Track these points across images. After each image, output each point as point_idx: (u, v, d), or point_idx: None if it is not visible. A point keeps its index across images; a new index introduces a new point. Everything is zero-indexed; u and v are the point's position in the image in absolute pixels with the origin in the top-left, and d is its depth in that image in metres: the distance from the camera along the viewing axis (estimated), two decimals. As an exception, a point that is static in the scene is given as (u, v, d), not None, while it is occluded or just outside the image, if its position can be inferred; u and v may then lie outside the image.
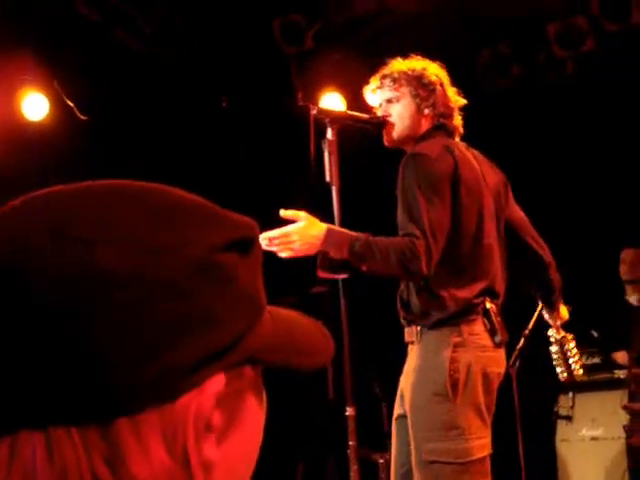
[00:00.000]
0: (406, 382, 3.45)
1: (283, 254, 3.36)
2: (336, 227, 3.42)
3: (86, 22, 6.09)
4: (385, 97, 3.65)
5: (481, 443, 3.32)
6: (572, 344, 4.10)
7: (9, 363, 0.69)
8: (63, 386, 0.69)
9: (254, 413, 0.80)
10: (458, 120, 3.64)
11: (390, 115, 3.61)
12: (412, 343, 3.47)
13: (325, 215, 3.58)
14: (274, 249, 3.33)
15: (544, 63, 6.73)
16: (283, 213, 3.37)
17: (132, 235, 0.72)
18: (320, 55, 6.72)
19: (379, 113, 3.65)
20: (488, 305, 3.41)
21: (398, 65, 3.65)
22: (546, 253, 3.79)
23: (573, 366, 4.06)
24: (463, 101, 3.66)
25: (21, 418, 0.69)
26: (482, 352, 3.37)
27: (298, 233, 3.33)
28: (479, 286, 3.42)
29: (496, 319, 3.42)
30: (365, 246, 3.29)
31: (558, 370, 4.11)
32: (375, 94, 3.70)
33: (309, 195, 3.49)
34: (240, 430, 0.78)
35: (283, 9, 6.48)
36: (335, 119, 3.63)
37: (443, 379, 3.30)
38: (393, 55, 3.74)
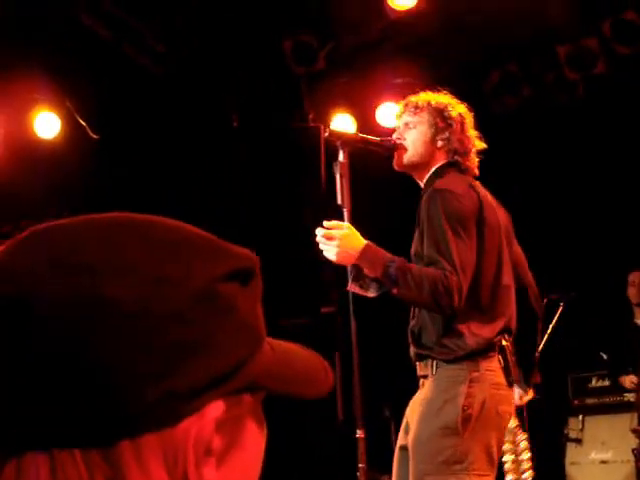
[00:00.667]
0: (413, 414, 3.42)
1: (326, 253, 3.40)
2: (374, 245, 3.43)
3: (97, 40, 6.13)
4: (404, 121, 3.66)
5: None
6: (526, 454, 4.00)
7: (15, 387, 0.71)
8: (66, 410, 0.70)
9: (253, 438, 0.82)
10: (474, 161, 3.64)
11: (404, 139, 3.62)
12: (425, 377, 3.45)
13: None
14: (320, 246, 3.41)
15: (554, 84, 6.74)
16: (327, 224, 3.42)
17: (136, 266, 0.74)
18: (331, 76, 6.74)
19: (394, 136, 3.67)
20: (504, 343, 3.40)
21: (425, 95, 3.67)
22: (539, 305, 3.76)
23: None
24: (483, 145, 3.66)
25: (26, 440, 0.70)
26: (496, 390, 3.36)
27: (340, 239, 3.37)
28: (499, 325, 3.41)
29: (510, 358, 3.41)
30: (399, 270, 3.30)
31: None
32: (398, 119, 3.72)
33: (321, 217, 3.49)
34: (240, 454, 0.79)
35: (294, 29, 6.51)
36: (346, 142, 3.63)
37: (455, 413, 3.27)
38: (402, 77, 3.76)
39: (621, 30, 6.19)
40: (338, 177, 3.55)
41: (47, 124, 6.60)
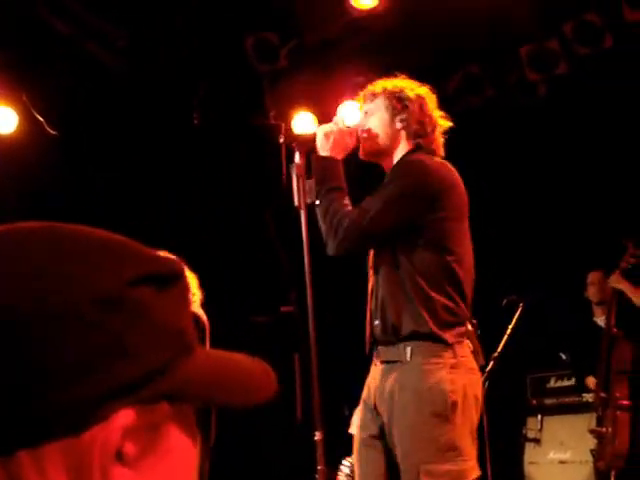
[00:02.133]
0: (391, 402, 3.38)
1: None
2: (341, 165, 3.58)
3: (56, 35, 6.05)
4: (364, 110, 3.67)
5: (474, 464, 3.32)
6: None
7: None
8: None
9: (179, 446, 0.79)
10: (438, 141, 3.64)
11: (364, 127, 3.62)
12: (391, 362, 3.41)
13: (294, 238, 3.58)
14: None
15: (516, 85, 6.76)
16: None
17: (38, 270, 0.71)
18: (293, 74, 6.72)
19: (357, 126, 3.66)
20: (470, 328, 3.42)
21: (382, 82, 3.67)
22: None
23: None
24: (447, 124, 3.66)
25: None
26: (473, 374, 3.38)
27: (335, 135, 3.58)
28: (466, 309, 3.43)
29: (477, 341, 3.43)
30: (332, 191, 3.50)
31: None
32: (358, 111, 3.74)
33: (281, 216, 3.50)
34: (161, 461, 0.77)
35: (256, 27, 6.48)
36: (302, 143, 3.64)
37: (443, 399, 3.26)
38: (365, 75, 3.76)
39: (582, 31, 6.22)
40: (294, 178, 3.56)
41: (4, 119, 6.51)
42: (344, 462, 3.72)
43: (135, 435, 0.74)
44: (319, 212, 3.50)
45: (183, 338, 0.78)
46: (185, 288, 0.80)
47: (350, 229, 3.37)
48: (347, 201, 3.49)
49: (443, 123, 3.66)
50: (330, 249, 3.44)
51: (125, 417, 0.73)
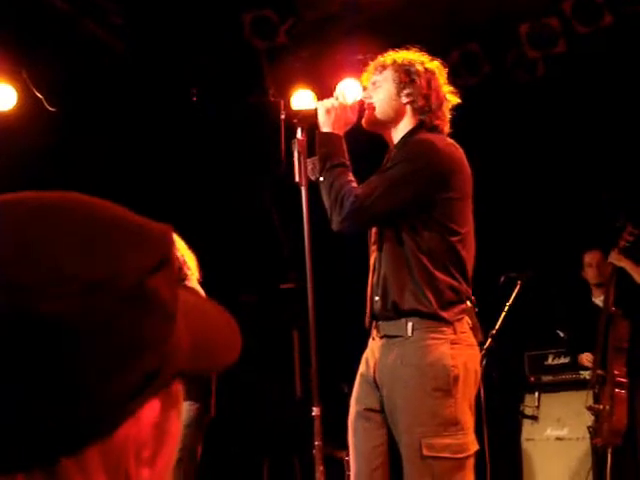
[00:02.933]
0: (392, 376, 3.39)
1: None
2: (342, 140, 3.56)
3: (55, 12, 6.03)
4: (372, 81, 3.65)
5: (473, 438, 3.34)
6: None
7: None
8: (5, 433, 0.68)
9: (176, 426, 0.80)
10: (444, 118, 3.62)
11: (370, 97, 3.61)
12: (391, 337, 3.43)
13: (294, 215, 3.58)
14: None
15: (515, 63, 6.75)
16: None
17: (64, 275, 0.70)
18: (292, 51, 6.70)
19: (362, 97, 3.65)
20: (469, 304, 3.43)
21: (393, 54, 3.65)
22: None
23: None
24: (456, 100, 3.65)
25: None
26: (472, 350, 3.39)
27: (336, 110, 3.56)
28: (467, 285, 3.44)
29: (475, 318, 3.44)
30: (335, 167, 3.48)
31: None
32: (366, 82, 3.71)
33: (280, 194, 3.50)
34: (167, 446, 0.78)
35: (254, 4, 6.45)
36: (303, 118, 3.63)
37: (445, 374, 3.27)
38: (364, 52, 3.75)
39: (581, 9, 6.20)
40: (296, 155, 3.55)
41: (3, 96, 6.50)
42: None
43: (157, 429, 0.75)
44: (323, 188, 3.49)
45: (175, 311, 0.77)
46: (175, 259, 0.79)
47: (355, 206, 3.36)
48: (351, 177, 3.47)
49: (452, 99, 3.64)
50: (335, 225, 3.43)
51: (153, 409, 0.74)
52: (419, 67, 3.58)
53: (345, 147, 3.55)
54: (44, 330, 0.68)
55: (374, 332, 3.53)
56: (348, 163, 3.51)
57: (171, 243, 0.79)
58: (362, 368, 3.55)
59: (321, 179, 3.50)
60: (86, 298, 0.70)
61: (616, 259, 6.23)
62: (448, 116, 3.62)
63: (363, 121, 3.62)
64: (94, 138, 6.88)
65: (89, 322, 0.70)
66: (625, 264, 6.23)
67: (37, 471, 0.68)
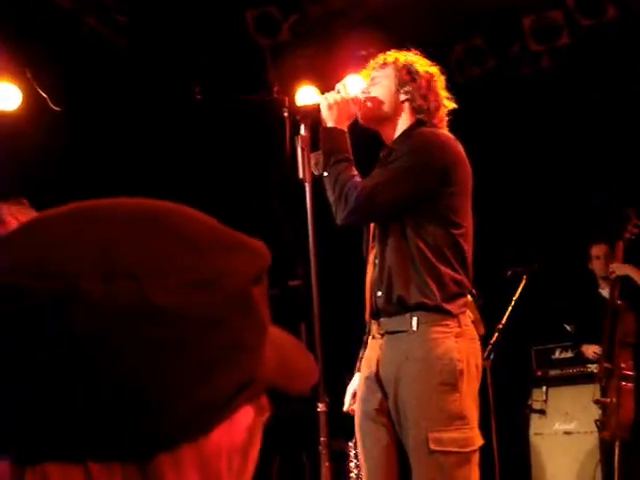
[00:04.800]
0: (398, 372, 3.38)
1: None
2: (346, 134, 3.55)
3: (59, 11, 6.04)
4: (371, 77, 3.65)
5: (478, 432, 3.34)
6: None
7: (50, 393, 0.67)
8: (104, 422, 0.68)
9: (259, 438, 0.80)
10: (442, 120, 3.63)
11: (369, 93, 3.61)
12: (397, 333, 3.42)
13: (299, 211, 3.59)
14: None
15: (519, 56, 6.74)
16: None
17: (175, 268, 0.71)
18: (295, 47, 6.70)
19: (360, 92, 3.65)
20: (470, 298, 3.44)
21: (396, 53, 3.66)
22: None
23: None
24: (452, 105, 3.65)
25: (54, 449, 0.68)
26: (474, 343, 3.39)
27: (338, 104, 3.56)
28: (468, 279, 3.45)
29: (476, 311, 3.45)
30: (339, 162, 3.47)
31: None
32: (366, 77, 3.71)
33: (285, 191, 3.50)
34: (252, 458, 0.79)
35: (257, 0, 6.45)
36: (306, 114, 3.63)
37: (451, 369, 3.27)
38: (367, 48, 3.75)
39: (585, 2, 6.20)
40: (299, 151, 3.55)
41: (7, 96, 6.51)
42: (350, 444, 3.72)
43: (249, 435, 0.76)
44: (327, 183, 3.49)
45: (268, 324, 0.79)
46: (268, 272, 0.80)
47: (360, 199, 3.36)
48: (355, 172, 3.47)
49: (448, 104, 3.66)
50: (339, 219, 3.43)
51: (247, 415, 0.75)
52: (420, 68, 3.59)
53: (348, 141, 3.55)
54: (157, 320, 0.68)
55: (374, 329, 3.53)
56: (351, 158, 3.51)
57: (269, 258, 0.80)
58: (364, 368, 3.54)
59: (325, 174, 3.50)
60: (196, 293, 0.70)
61: (617, 268, 6.23)
62: (445, 120, 3.64)
63: (360, 116, 3.62)
64: (99, 137, 6.89)
65: (197, 316, 0.70)
66: (628, 271, 6.23)
67: (132, 464, 0.69)
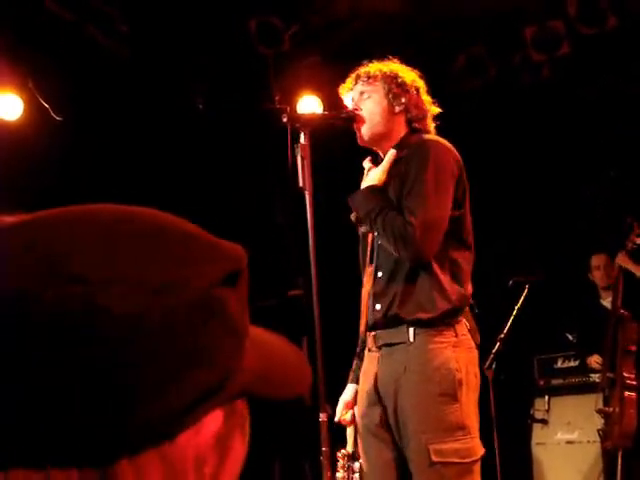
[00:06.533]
0: (396, 384, 3.36)
1: None
2: (378, 188, 3.52)
3: (60, 21, 6.05)
4: (359, 91, 3.64)
5: (479, 442, 3.33)
6: None
7: (7, 398, 0.67)
8: (63, 426, 0.67)
9: (240, 447, 0.79)
10: (431, 126, 3.64)
11: (360, 109, 3.60)
12: (395, 345, 3.41)
13: (299, 220, 3.58)
14: None
15: (520, 66, 6.75)
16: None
17: (133, 274, 0.70)
18: (297, 57, 6.71)
19: (351, 107, 3.64)
20: (467, 307, 3.44)
21: (378, 65, 3.65)
22: None
23: None
24: (437, 110, 3.66)
25: (18, 456, 0.68)
26: (472, 353, 3.39)
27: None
28: (470, 288, 3.44)
29: (473, 320, 3.44)
30: (375, 214, 3.43)
31: None
32: (351, 91, 3.69)
33: (287, 200, 3.49)
34: (229, 466, 0.77)
35: (259, 11, 6.46)
36: (306, 123, 3.61)
37: (450, 379, 3.27)
38: (370, 58, 3.74)
39: (586, 11, 6.20)
40: (299, 160, 3.54)
41: (10, 106, 6.52)
42: (338, 454, 3.69)
43: (219, 442, 0.75)
44: (381, 238, 3.45)
45: (246, 329, 0.78)
46: (247, 277, 0.80)
47: (417, 232, 3.29)
48: (394, 212, 3.41)
49: (433, 109, 3.66)
50: (409, 261, 3.37)
51: (215, 420, 0.74)
52: (406, 77, 3.59)
53: (377, 193, 3.52)
54: (107, 326, 0.68)
55: (370, 343, 3.52)
56: (385, 203, 3.46)
57: (244, 260, 0.79)
58: (363, 383, 3.54)
59: (376, 234, 3.48)
60: (151, 299, 0.70)
61: (622, 261, 6.23)
62: (433, 124, 3.64)
63: (358, 138, 3.61)
64: (101, 147, 6.90)
65: (153, 323, 0.69)
66: (631, 266, 6.23)
67: (92, 470, 0.68)
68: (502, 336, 5.84)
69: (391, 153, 3.52)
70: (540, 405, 6.97)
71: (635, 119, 6.73)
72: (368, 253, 3.59)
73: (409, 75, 3.61)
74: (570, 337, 7.02)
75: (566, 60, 6.52)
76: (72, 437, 0.67)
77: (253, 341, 0.79)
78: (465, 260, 3.44)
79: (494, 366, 5.86)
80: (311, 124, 3.61)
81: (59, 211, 0.76)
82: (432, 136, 3.55)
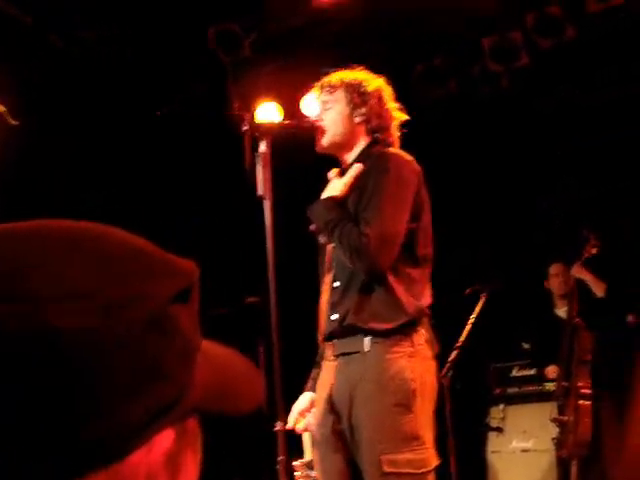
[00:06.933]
0: (352, 394, 3.35)
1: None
2: (336, 201, 3.51)
3: (18, 24, 5.99)
4: (322, 101, 3.64)
5: (434, 452, 3.32)
6: None
7: None
8: (7, 450, 0.65)
9: (192, 466, 0.78)
10: (395, 135, 3.64)
11: (321, 120, 3.60)
12: (346, 355, 3.41)
13: (258, 228, 3.57)
14: None
15: (479, 77, 6.79)
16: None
17: (82, 292, 0.69)
18: (257, 64, 6.70)
19: (314, 118, 3.65)
20: (426, 316, 3.43)
21: (340, 74, 3.65)
22: None
23: None
24: (404, 117, 3.65)
25: None
26: (428, 363, 3.38)
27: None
28: (427, 299, 3.44)
29: (431, 330, 3.44)
30: (334, 225, 3.42)
31: None
32: (316, 101, 3.71)
33: (244, 207, 3.48)
34: None
35: (219, 18, 6.45)
36: (265, 131, 3.61)
37: (404, 389, 3.26)
38: (329, 65, 3.75)
39: (544, 23, 6.26)
40: (259, 168, 3.53)
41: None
42: (295, 464, 3.67)
43: (170, 461, 0.74)
44: (338, 250, 3.44)
45: (197, 345, 0.77)
46: (197, 293, 0.79)
47: (371, 250, 3.29)
48: (351, 223, 3.40)
49: (399, 115, 3.66)
50: (364, 274, 3.36)
51: (166, 439, 0.73)
52: (369, 86, 3.59)
53: (336, 204, 3.51)
54: (57, 344, 0.66)
55: (328, 352, 3.52)
56: (343, 215, 3.45)
57: (196, 277, 0.79)
58: (319, 391, 3.53)
59: (334, 245, 3.47)
60: (104, 316, 0.69)
61: (577, 272, 6.28)
62: (397, 133, 3.64)
63: (317, 145, 3.61)
64: (58, 151, 6.83)
65: (105, 340, 0.68)
66: (586, 276, 6.29)
67: None
68: (459, 345, 5.85)
69: (356, 168, 3.52)
70: (496, 413, 7.00)
71: (591, 130, 6.80)
72: (327, 263, 3.58)
73: (373, 83, 3.61)
74: (526, 346, 7.07)
75: (524, 71, 6.58)
76: (16, 460, 0.66)
77: (205, 356, 0.78)
78: (420, 273, 3.44)
79: (450, 374, 5.87)
80: (271, 132, 3.61)
81: (10, 227, 0.75)
82: (392, 149, 3.55)
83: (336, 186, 3.52)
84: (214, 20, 6.43)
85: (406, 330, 3.34)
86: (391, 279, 3.35)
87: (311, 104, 3.71)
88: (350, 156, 3.60)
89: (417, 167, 3.49)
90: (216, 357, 0.81)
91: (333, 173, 3.62)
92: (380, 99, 3.59)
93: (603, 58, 6.46)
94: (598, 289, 6.32)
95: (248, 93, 6.69)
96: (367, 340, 3.34)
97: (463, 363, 5.88)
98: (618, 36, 6.22)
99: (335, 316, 3.46)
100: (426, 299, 3.45)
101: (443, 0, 5.88)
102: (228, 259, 7.10)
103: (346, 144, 3.60)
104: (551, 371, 6.62)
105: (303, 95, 6.27)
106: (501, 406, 6.99)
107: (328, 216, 3.46)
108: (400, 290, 3.35)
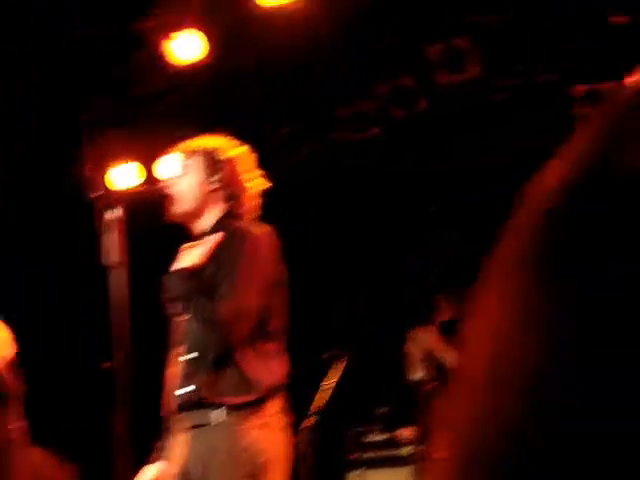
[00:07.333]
0: (205, 466, 3.32)
1: None
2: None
3: None
4: (176, 170, 3.61)
5: None
6: None
7: None
8: None
9: None
10: (249, 205, 3.61)
11: (173, 186, 3.57)
12: (202, 426, 3.36)
13: (101, 298, 3.50)
14: None
15: (340, 145, 6.89)
16: None
17: None
18: (115, 126, 6.63)
19: (167, 185, 3.61)
20: (279, 386, 3.41)
21: (201, 140, 3.63)
22: None
23: None
24: (262, 185, 3.64)
25: None
26: (281, 433, 3.37)
27: None
28: (281, 371, 3.42)
29: (285, 399, 3.42)
30: (187, 300, 3.40)
31: None
32: (177, 164, 3.66)
33: (92, 275, 3.39)
34: None
35: (79, 81, 6.39)
36: (116, 198, 3.56)
37: (255, 461, 3.25)
38: (186, 128, 3.74)
39: (397, 93, 6.41)
40: (108, 235, 3.46)
41: None
42: None
43: None
44: (189, 315, 3.43)
45: None
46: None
47: (225, 320, 3.29)
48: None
49: (258, 184, 3.64)
50: (215, 345, 3.35)
51: None
52: (223, 155, 3.57)
53: (192, 276, 3.45)
54: None
55: (177, 425, 3.46)
56: (198, 287, 3.41)
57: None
58: (171, 464, 3.47)
59: (187, 317, 3.45)
60: None
61: (426, 341, 6.38)
62: (253, 202, 3.62)
63: (166, 213, 3.57)
64: None
65: None
66: (436, 346, 6.39)
67: None
68: (314, 410, 5.83)
69: (214, 239, 3.48)
70: (354, 479, 6.98)
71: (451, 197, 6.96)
72: (178, 335, 3.53)
73: (228, 151, 3.59)
74: (381, 410, 7.10)
75: (378, 141, 6.70)
76: None
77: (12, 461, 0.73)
78: (274, 347, 3.45)
79: (306, 441, 5.83)
80: (122, 199, 3.56)
81: None
82: (244, 225, 3.53)
83: (192, 256, 3.47)
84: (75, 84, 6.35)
85: (257, 403, 3.32)
86: (244, 354, 3.34)
87: (168, 167, 3.67)
88: (201, 223, 3.57)
89: (270, 239, 3.48)
90: (27, 463, 0.77)
91: (185, 245, 3.56)
92: (233, 168, 3.57)
93: (454, 128, 6.65)
94: (448, 356, 6.42)
95: (103, 155, 6.60)
96: (219, 412, 3.30)
97: (318, 429, 5.86)
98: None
99: (187, 388, 3.40)
100: (282, 370, 3.44)
101: (299, 67, 5.97)
102: (80, 327, 6.93)
103: (197, 212, 3.56)
104: (405, 434, 6.65)
105: (159, 158, 6.23)
106: (358, 471, 6.97)
107: (183, 287, 3.41)
108: (252, 366, 3.34)
